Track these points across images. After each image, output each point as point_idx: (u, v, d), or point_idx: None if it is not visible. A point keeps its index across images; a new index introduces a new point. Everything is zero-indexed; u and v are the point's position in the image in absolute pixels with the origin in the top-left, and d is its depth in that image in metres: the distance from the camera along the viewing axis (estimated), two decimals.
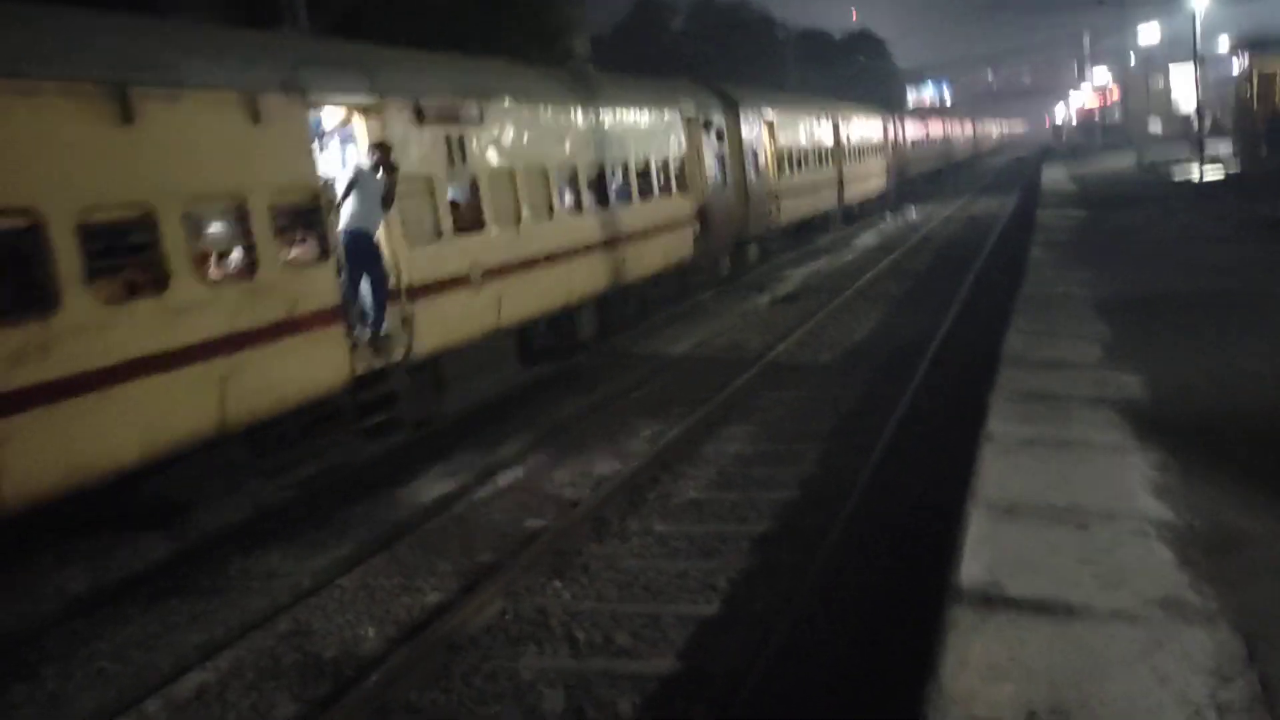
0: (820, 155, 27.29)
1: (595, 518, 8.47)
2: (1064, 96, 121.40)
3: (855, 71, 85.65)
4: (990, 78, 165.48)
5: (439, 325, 10.57)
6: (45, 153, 6.73)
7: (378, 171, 9.81)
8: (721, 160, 19.58)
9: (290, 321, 8.53)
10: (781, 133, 23.69)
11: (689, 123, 18.08)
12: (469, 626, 6.67)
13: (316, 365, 8.90)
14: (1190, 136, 44.28)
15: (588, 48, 65.87)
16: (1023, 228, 23.19)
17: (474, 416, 12.06)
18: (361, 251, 9.75)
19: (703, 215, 18.31)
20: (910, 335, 14.76)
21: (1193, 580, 4.11)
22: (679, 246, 17.32)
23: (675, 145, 17.39)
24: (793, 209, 24.50)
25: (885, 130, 37.31)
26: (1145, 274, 12.07)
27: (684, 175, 17.52)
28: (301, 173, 8.96)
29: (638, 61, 54.62)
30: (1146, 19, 50.85)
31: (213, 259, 8.39)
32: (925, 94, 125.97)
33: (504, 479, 9.80)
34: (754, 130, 21.50)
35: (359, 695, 5.88)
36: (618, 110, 15.43)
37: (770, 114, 22.91)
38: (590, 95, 14.83)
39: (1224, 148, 33.99)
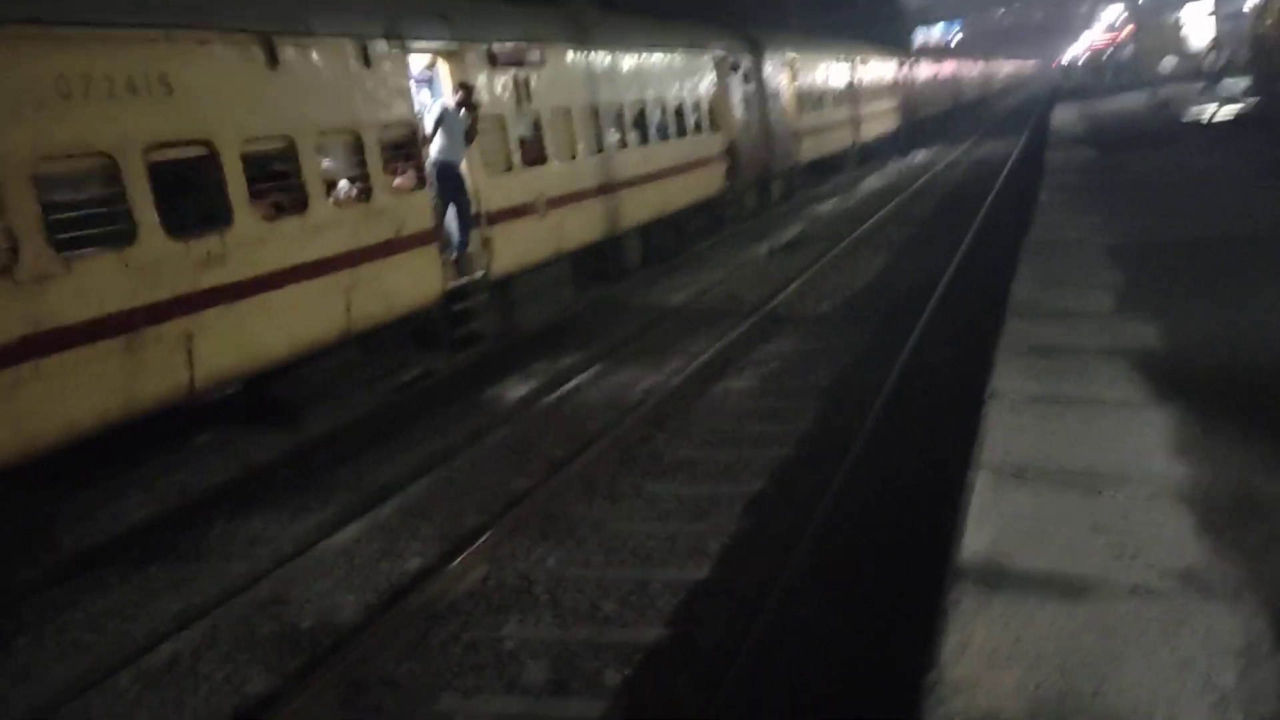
0: (838, 96, 28.06)
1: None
2: (1076, 34, 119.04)
3: (861, 12, 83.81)
4: (1001, 15, 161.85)
5: (511, 248, 12.10)
6: (216, 92, 8.01)
7: (461, 110, 11.16)
8: (748, 100, 20.39)
9: (397, 241, 10.03)
10: (802, 74, 24.44)
11: (719, 64, 18.96)
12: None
13: (417, 280, 10.40)
14: (1205, 73, 43.18)
15: None
16: (1032, 170, 22.57)
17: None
18: (449, 181, 11.13)
19: (731, 152, 19.30)
20: (915, 281, 14.35)
21: (1215, 550, 3.77)
22: (711, 181, 18.56)
23: (707, 86, 18.43)
24: (813, 147, 25.37)
25: (898, 71, 37.93)
26: (1160, 218, 11.58)
27: (715, 114, 18.62)
28: (402, 110, 10.30)
29: (639, 4, 53.39)
30: None
31: (339, 185, 9.67)
32: (934, 33, 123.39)
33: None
34: (777, 72, 22.27)
35: None
36: (657, 53, 16.57)
37: (792, 56, 23.63)
38: (634, 39, 15.88)
39: (1240, 83, 33.05)
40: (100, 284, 7.08)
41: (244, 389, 8.97)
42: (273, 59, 8.54)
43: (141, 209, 7.36)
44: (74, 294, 6.88)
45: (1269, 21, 27.74)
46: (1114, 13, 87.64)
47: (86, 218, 7.06)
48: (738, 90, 19.85)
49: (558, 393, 10.82)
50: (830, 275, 15.84)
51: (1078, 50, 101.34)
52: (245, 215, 8.26)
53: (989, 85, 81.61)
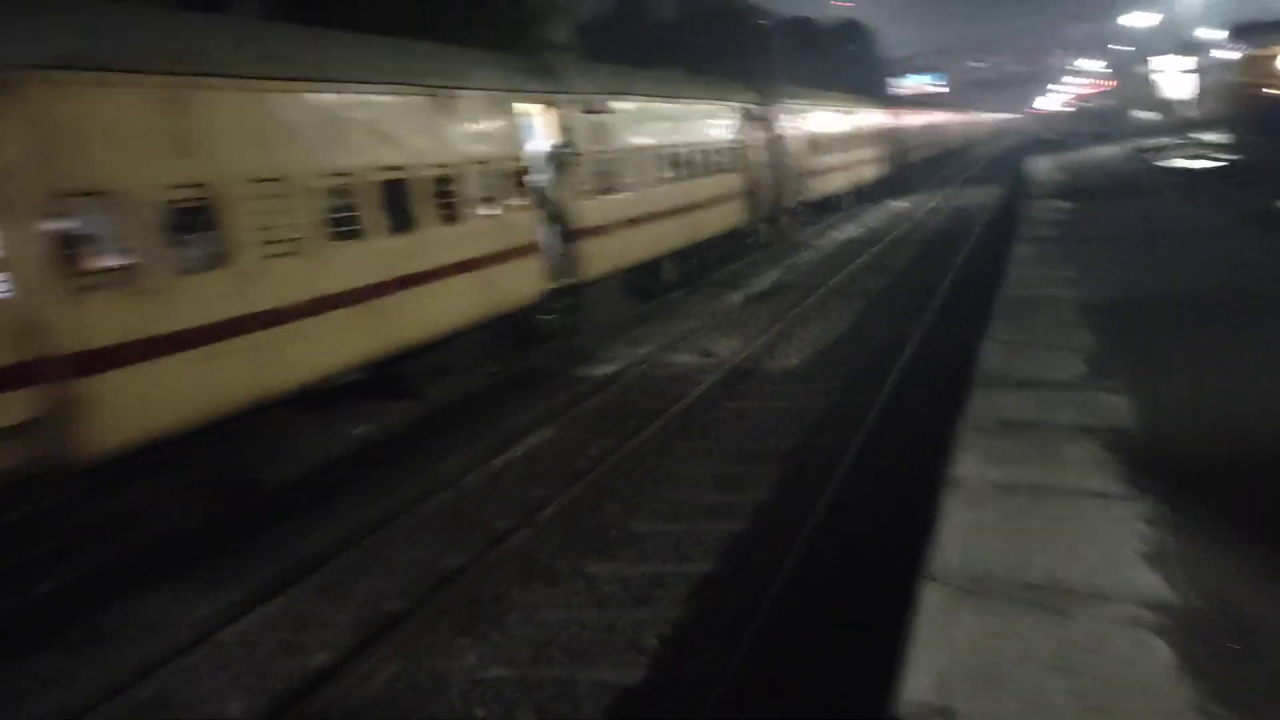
0: (838, 142, 31.18)
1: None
2: (1056, 82, 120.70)
3: (843, 60, 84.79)
4: (980, 65, 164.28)
5: (591, 261, 14.67)
6: (410, 133, 10.72)
7: (559, 149, 13.99)
8: (764, 145, 23.37)
9: (516, 248, 12.56)
10: (809, 123, 27.67)
11: (742, 114, 22.05)
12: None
13: (527, 279, 12.92)
14: (1181, 125, 43.44)
15: (574, 34, 64.78)
16: (1008, 219, 22.28)
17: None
18: (548, 205, 13.79)
19: (750, 190, 22.23)
20: (886, 336, 13.84)
21: (1199, 700, 3.18)
22: (734, 214, 21.33)
23: (732, 132, 21.35)
24: (817, 187, 28.72)
25: (888, 121, 41.30)
26: (1136, 273, 11.12)
27: (738, 157, 21.46)
28: (518, 149, 12.95)
29: (623, 49, 53.57)
30: (1129, 9, 49.98)
31: (479, 203, 11.92)
32: (911, 84, 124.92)
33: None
34: (788, 121, 25.42)
35: None
36: (694, 104, 19.67)
37: (800, 107, 27.06)
38: (677, 91, 19.19)
39: (1215, 136, 33.11)
40: (351, 265, 9.62)
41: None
42: (442, 108, 11.36)
43: (365, 215, 9.85)
44: (338, 271, 9.44)
45: (1244, 76, 27.78)
46: (1088, 65, 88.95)
47: (342, 219, 9.56)
48: (756, 136, 22.76)
49: (502, 458, 10.16)
50: (801, 328, 15.32)
51: (1056, 101, 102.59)
52: (422, 222, 10.79)
53: (971, 133, 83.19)
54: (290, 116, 9.04)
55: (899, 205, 35.65)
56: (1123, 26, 52.24)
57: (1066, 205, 20.45)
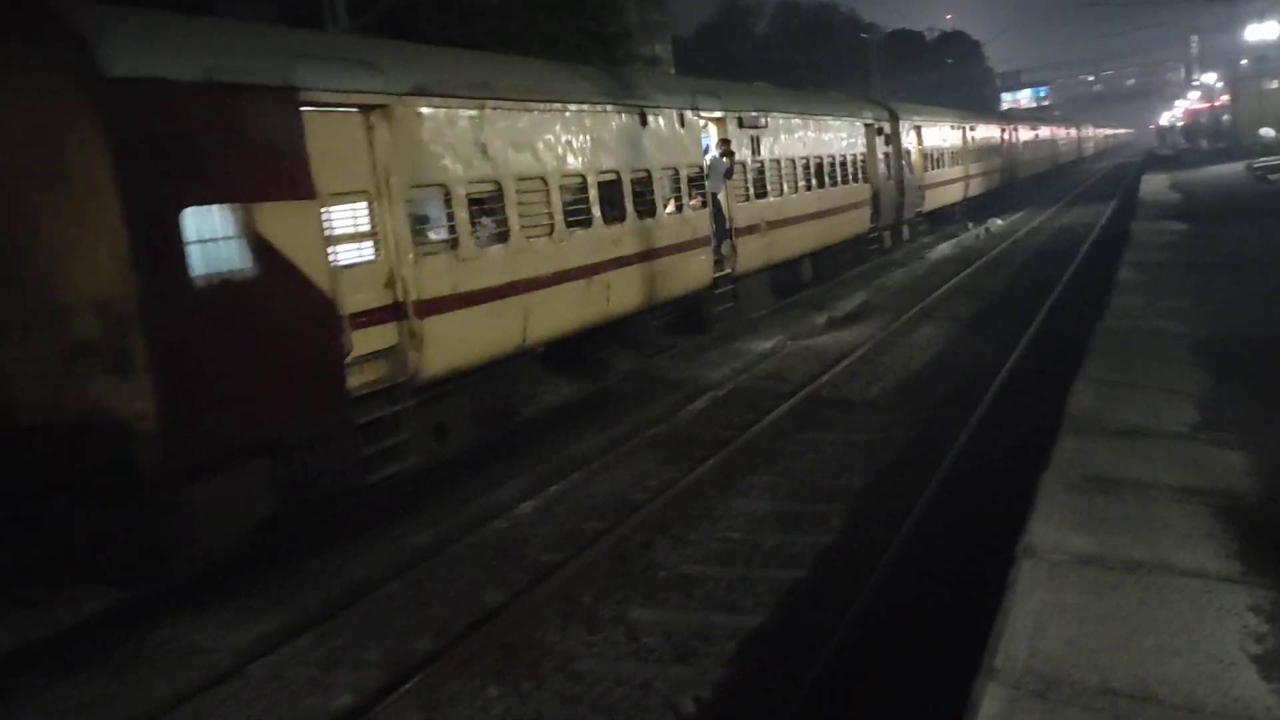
0: (952, 157, 32.66)
1: None
2: (1170, 101, 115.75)
3: (947, 74, 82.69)
4: (1091, 80, 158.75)
5: (747, 255, 16.78)
6: (620, 142, 12.98)
7: (723, 157, 15.91)
8: (886, 159, 24.96)
9: (692, 241, 14.72)
10: (927, 138, 29.14)
11: (867, 129, 23.70)
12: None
13: (699, 269, 15.08)
14: None
15: (669, 51, 64.70)
16: (1116, 240, 21.02)
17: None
18: (714, 205, 15.69)
19: (875, 199, 23.92)
20: (975, 367, 13.00)
21: None
22: (861, 221, 23.11)
23: (860, 146, 23.05)
24: (934, 198, 30.20)
25: (1000, 135, 42.26)
26: (1256, 306, 10.11)
27: (864, 169, 23.23)
28: (697, 156, 15.26)
29: (721, 65, 53.20)
30: (1258, 18, 47.15)
31: (669, 201, 14.27)
32: (1021, 97, 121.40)
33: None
34: (908, 135, 26.84)
35: None
36: (828, 119, 21.36)
37: (918, 123, 28.40)
38: (814, 108, 20.96)
39: None
40: (582, 247, 11.92)
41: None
42: (644, 122, 13.66)
43: (593, 208, 12.18)
44: (573, 251, 11.78)
45: None
46: (1210, 78, 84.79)
47: (576, 210, 11.91)
48: (880, 150, 24.45)
49: (558, 486, 9.76)
50: (886, 353, 14.58)
51: (1172, 116, 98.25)
52: (630, 215, 13.06)
53: (1082, 149, 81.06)
54: (545, 129, 11.51)
55: (999, 224, 34.26)
56: (1246, 42, 49.43)
57: (1180, 227, 19.16)
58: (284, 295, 7.69)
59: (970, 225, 33.43)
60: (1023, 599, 3.93)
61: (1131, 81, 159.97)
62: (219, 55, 7.55)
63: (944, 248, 28.18)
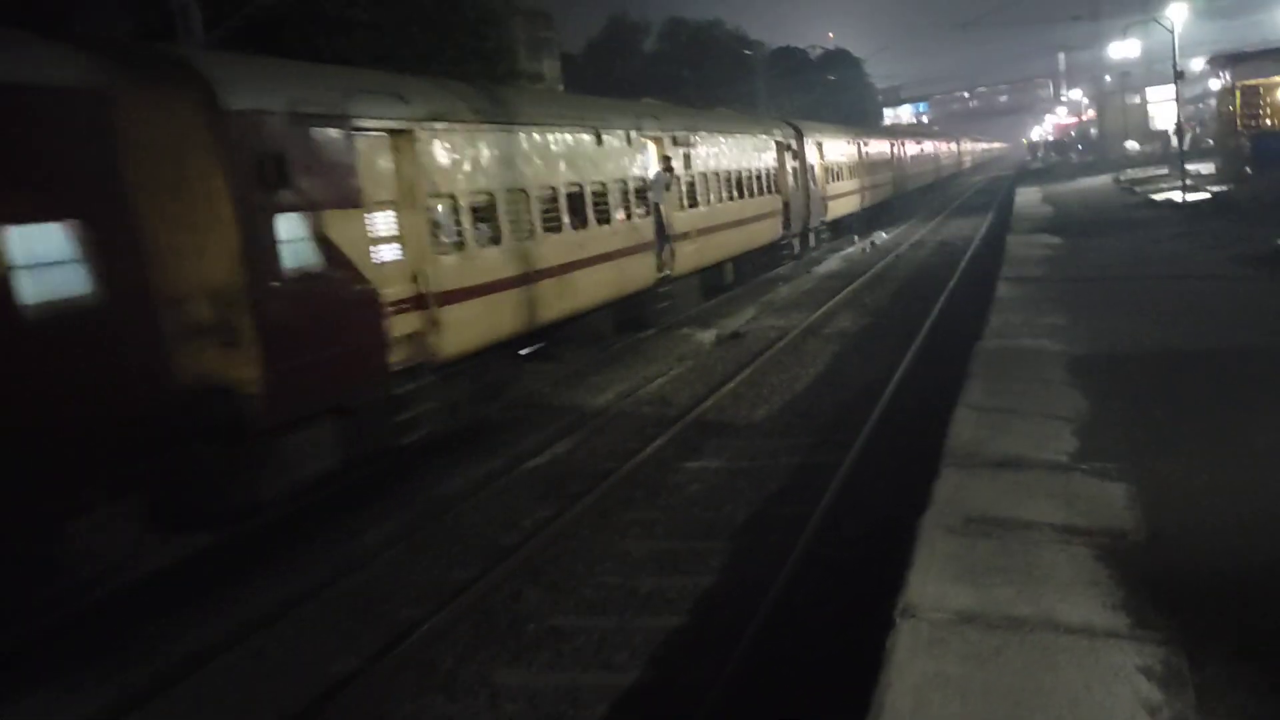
0: (850, 170, 35.02)
1: None
2: (1040, 116, 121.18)
3: (830, 90, 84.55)
4: (967, 96, 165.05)
5: (684, 258, 18.58)
6: (582, 157, 14.75)
7: (664, 172, 17.81)
8: (794, 172, 27.04)
9: (640, 245, 16.52)
10: (827, 153, 31.27)
11: (778, 145, 25.87)
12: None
13: (645, 269, 16.90)
14: (1169, 156, 42.79)
15: (558, 69, 64.32)
16: (994, 253, 21.40)
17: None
18: (656, 214, 17.52)
19: (786, 209, 25.95)
20: (859, 385, 12.84)
21: None
22: (774, 229, 25.23)
23: (772, 161, 25.14)
24: (836, 209, 32.54)
25: (890, 150, 44.73)
26: (1130, 320, 10.14)
27: (775, 181, 25.27)
28: (642, 170, 16.97)
29: (608, 82, 52.87)
30: (1121, 37, 49.47)
31: (621, 210, 15.95)
32: (902, 113, 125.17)
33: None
34: (811, 151, 28.90)
35: None
36: (745, 137, 23.42)
37: (820, 139, 30.55)
38: (732, 127, 23.03)
39: (1205, 167, 32.43)
40: (554, 249, 13.58)
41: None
42: (599, 140, 15.39)
43: (562, 215, 13.89)
44: (548, 252, 13.39)
45: (1232, 106, 27.11)
46: (1077, 94, 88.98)
47: (549, 217, 13.53)
48: (789, 164, 26.50)
49: (424, 531, 9.10)
50: (771, 373, 14.32)
51: (1043, 131, 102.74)
52: (591, 222, 14.85)
53: (961, 163, 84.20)
54: (522, 148, 13.13)
55: (882, 237, 34.84)
56: (1110, 58, 51.80)
57: (1053, 241, 19.58)
58: (345, 286, 9.42)
59: (856, 239, 33.92)
60: (902, 671, 3.52)
61: (1004, 98, 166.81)
62: (296, 90, 9.27)
63: (831, 262, 28.41)
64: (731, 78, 72.35)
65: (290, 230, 8.79)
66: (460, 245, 11.46)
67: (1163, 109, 52.36)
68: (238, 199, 8.20)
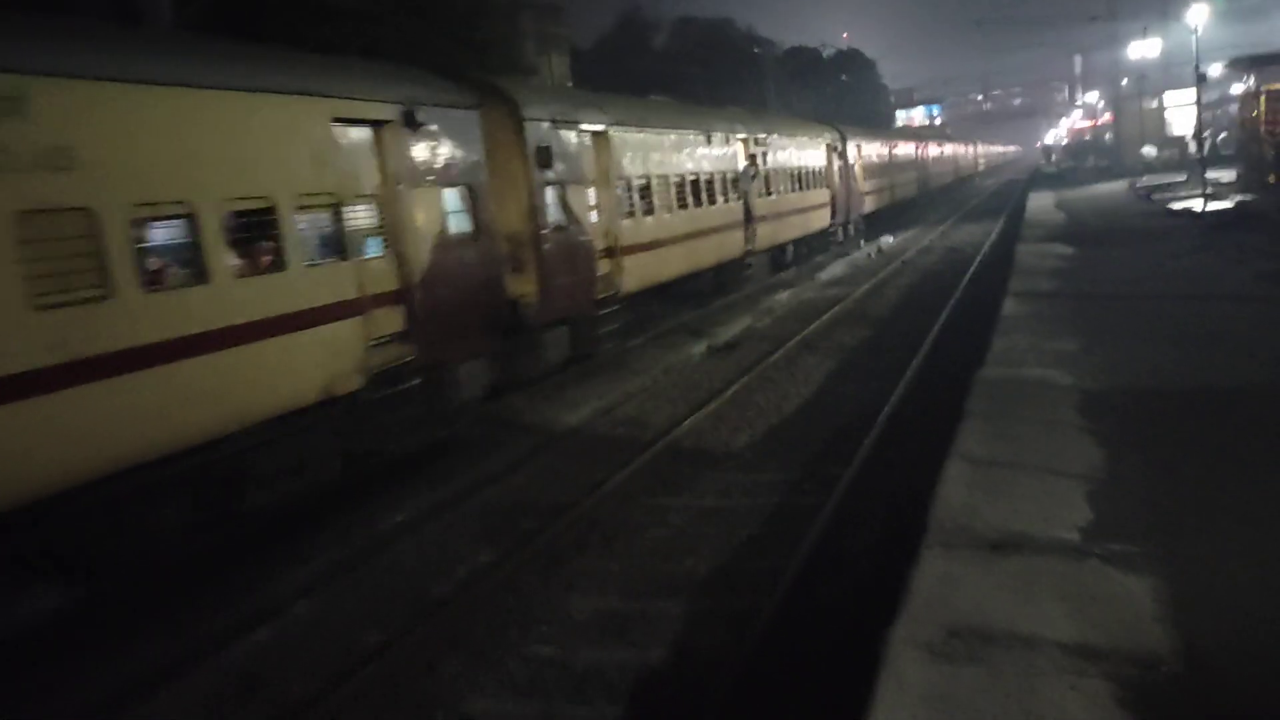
0: (883, 169, 38.64)
1: None
2: (1054, 120, 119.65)
3: (842, 90, 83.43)
4: (980, 98, 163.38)
5: (761, 236, 22.22)
6: (700, 153, 18.92)
7: (751, 167, 21.43)
8: (840, 170, 30.53)
9: (734, 223, 20.32)
10: (865, 154, 34.99)
11: (828, 146, 29.55)
12: None
13: (737, 243, 20.72)
14: (1187, 162, 41.47)
15: (567, 64, 63.47)
16: (1002, 263, 20.26)
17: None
18: (744, 201, 21.12)
19: (833, 202, 29.52)
20: (852, 409, 11.76)
21: None
22: (825, 218, 28.85)
23: (823, 160, 28.82)
24: (871, 203, 36.24)
25: (916, 152, 48.35)
26: (1150, 348, 9.02)
27: (826, 177, 28.97)
28: (733, 165, 20.64)
29: (619, 79, 51.81)
30: (1141, 36, 48.07)
31: (722, 195, 19.75)
32: (915, 115, 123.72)
33: None
34: (853, 152, 32.31)
35: None
36: (804, 139, 27.14)
37: (859, 141, 34.14)
38: (796, 130, 26.82)
39: (1225, 175, 31.18)
40: (684, 222, 17.79)
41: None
42: (709, 140, 19.28)
43: (687, 197, 18.06)
44: (681, 224, 17.63)
45: (1256, 111, 25.89)
46: (1093, 98, 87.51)
47: (681, 198, 17.88)
48: (836, 163, 30.09)
49: (350, 575, 8.05)
50: (759, 391, 13.24)
51: (1057, 135, 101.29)
52: (704, 202, 18.79)
53: (977, 165, 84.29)
54: (665, 145, 17.31)
55: (889, 241, 33.70)
56: (1128, 60, 50.43)
57: (1065, 251, 18.45)
58: (577, 237, 13.88)
59: (862, 244, 32.82)
60: None
61: (1018, 100, 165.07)
62: (553, 105, 13.97)
63: (835, 268, 27.29)
64: (741, 77, 71.38)
65: (551, 197, 13.37)
66: (632, 214, 15.79)
67: (1180, 114, 51.01)
68: (527, 175, 12.81)
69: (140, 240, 7.35)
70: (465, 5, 25.38)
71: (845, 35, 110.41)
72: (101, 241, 6.93)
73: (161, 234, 7.74)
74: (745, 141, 21.46)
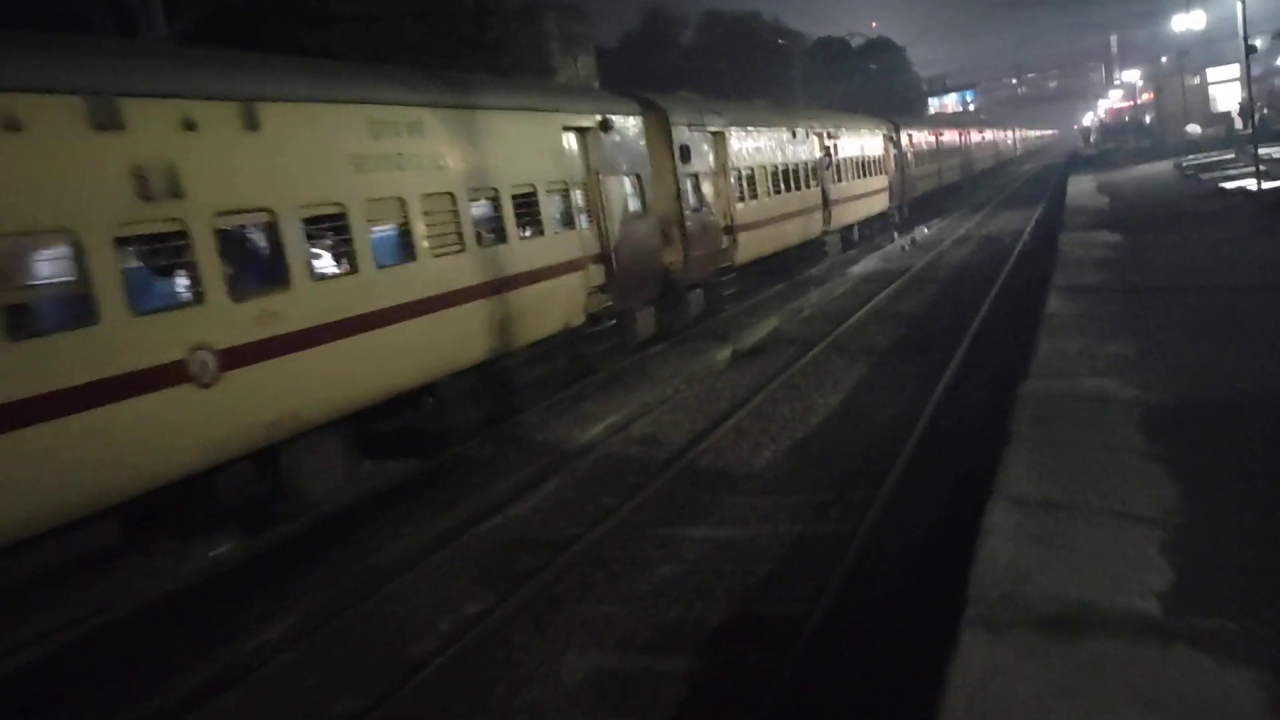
0: (930, 155, 42.05)
1: None
2: (1092, 101, 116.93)
3: (872, 78, 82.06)
4: (1015, 82, 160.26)
5: (834, 219, 25.67)
6: (785, 147, 22.39)
7: (825, 157, 24.75)
8: (895, 158, 33.81)
9: (814, 207, 23.96)
10: (917, 142, 38.91)
11: (885, 137, 32.51)
12: None
13: (817, 224, 24.32)
14: (1234, 139, 39.73)
15: (592, 63, 62.81)
16: (1044, 253, 19.15)
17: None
18: (822, 188, 24.83)
19: (890, 186, 32.48)
20: (884, 422, 10.84)
21: None
22: (884, 201, 31.89)
23: (881, 149, 31.84)
24: (924, 186, 40.03)
25: (959, 138, 51.78)
26: (1219, 350, 8.02)
27: (881, 164, 31.64)
28: (812, 156, 23.91)
29: (647, 74, 50.93)
30: (1185, 9, 46.22)
31: (805, 182, 23.33)
32: (948, 101, 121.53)
33: None
34: (905, 140, 35.93)
35: None
36: (865, 132, 30.21)
37: (910, 131, 37.69)
38: (860, 124, 29.92)
39: (1277, 151, 29.64)
40: (770, 208, 20.89)
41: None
42: (794, 135, 22.68)
43: (778, 184, 21.55)
44: (768, 209, 20.81)
45: None
46: (1131, 77, 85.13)
47: (772, 187, 21.33)
48: (891, 151, 33.25)
49: (330, 626, 7.31)
50: (784, 402, 12.35)
51: (1095, 116, 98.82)
52: (792, 189, 22.37)
53: (1015, 150, 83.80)
54: (763, 140, 20.57)
55: (924, 232, 32.56)
56: (1172, 32, 48.57)
57: (1112, 238, 17.30)
58: (708, 216, 17.30)
59: (896, 235, 31.74)
60: None
61: (1054, 83, 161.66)
62: (689, 112, 17.26)
63: (870, 261, 26.27)
64: (770, 69, 70.24)
65: (690, 185, 16.66)
66: (742, 199, 19.02)
67: (1224, 90, 49.11)
68: (674, 168, 16.08)
69: (475, 213, 11.00)
70: (474, 6, 24.67)
71: (874, 24, 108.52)
72: (460, 215, 10.63)
73: (481, 210, 11.27)
74: (820, 135, 24.58)
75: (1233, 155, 34.37)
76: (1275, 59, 50.49)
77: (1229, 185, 23.93)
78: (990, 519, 4.80)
